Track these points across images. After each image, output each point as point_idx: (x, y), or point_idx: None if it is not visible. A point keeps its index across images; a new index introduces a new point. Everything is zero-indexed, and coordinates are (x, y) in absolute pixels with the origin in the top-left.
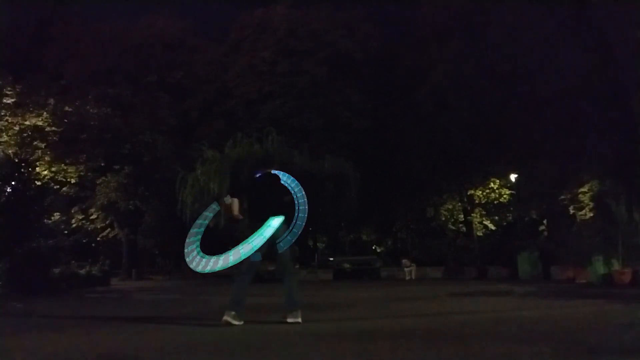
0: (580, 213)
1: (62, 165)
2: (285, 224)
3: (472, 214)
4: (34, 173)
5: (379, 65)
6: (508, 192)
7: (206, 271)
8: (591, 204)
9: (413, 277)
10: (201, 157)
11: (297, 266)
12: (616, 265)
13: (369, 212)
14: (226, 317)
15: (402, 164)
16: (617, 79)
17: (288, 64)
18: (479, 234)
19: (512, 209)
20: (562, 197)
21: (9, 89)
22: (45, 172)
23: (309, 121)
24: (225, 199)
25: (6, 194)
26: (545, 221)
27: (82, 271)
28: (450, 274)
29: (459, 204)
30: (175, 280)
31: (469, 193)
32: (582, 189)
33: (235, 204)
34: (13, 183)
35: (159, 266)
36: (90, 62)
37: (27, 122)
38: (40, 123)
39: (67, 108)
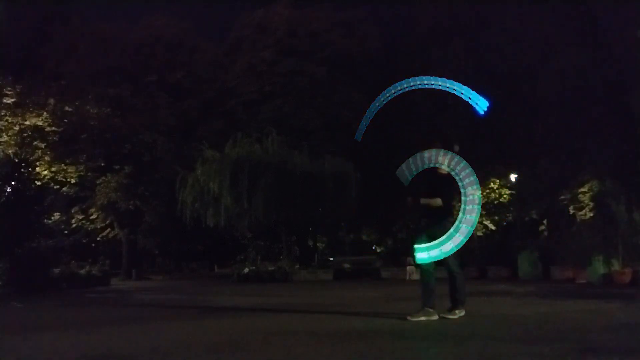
0: (580, 213)
1: (62, 165)
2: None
3: None
4: (34, 173)
5: (378, 65)
6: (508, 192)
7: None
8: (591, 204)
9: (413, 277)
10: (201, 157)
11: (297, 266)
12: (616, 265)
13: (369, 212)
14: (449, 315)
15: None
16: (617, 78)
17: (288, 64)
18: (479, 234)
19: (512, 209)
20: (562, 197)
21: (9, 89)
22: (45, 172)
23: (309, 121)
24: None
25: (6, 194)
26: (545, 221)
27: (82, 271)
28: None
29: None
30: (175, 280)
31: None
32: (582, 189)
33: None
34: (13, 183)
35: (159, 266)
36: (90, 62)
37: (27, 122)
38: (40, 123)
39: (67, 108)
